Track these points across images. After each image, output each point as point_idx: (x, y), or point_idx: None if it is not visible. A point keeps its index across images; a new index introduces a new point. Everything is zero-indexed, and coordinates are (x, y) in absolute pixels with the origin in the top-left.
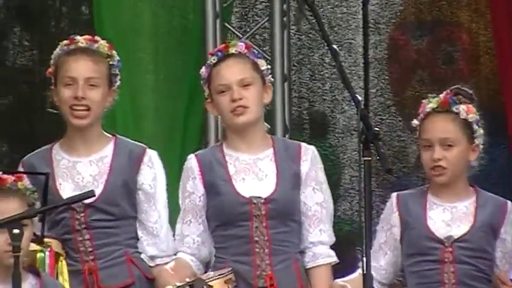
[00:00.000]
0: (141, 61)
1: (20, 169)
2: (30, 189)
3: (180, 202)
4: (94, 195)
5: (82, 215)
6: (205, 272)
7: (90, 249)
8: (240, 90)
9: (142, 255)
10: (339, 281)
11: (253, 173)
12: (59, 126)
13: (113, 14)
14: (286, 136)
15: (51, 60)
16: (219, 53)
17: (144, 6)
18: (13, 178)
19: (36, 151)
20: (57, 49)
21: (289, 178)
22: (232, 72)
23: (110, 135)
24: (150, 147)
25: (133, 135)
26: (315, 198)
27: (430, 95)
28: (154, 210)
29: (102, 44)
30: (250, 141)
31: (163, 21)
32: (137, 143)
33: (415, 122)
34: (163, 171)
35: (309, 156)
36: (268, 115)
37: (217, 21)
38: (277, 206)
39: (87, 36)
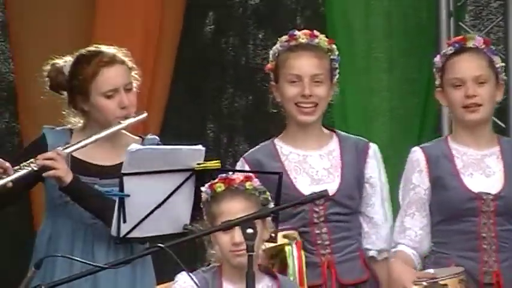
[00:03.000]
0: (375, 60)
1: (244, 166)
2: (260, 189)
3: (400, 194)
4: (328, 195)
5: (321, 207)
6: (424, 268)
7: (327, 243)
8: (475, 87)
9: (370, 252)
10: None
11: (480, 169)
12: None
13: (346, 13)
14: None
15: (270, 56)
16: (456, 45)
17: (377, 5)
18: (241, 178)
19: (256, 147)
20: (277, 45)
21: None
22: (468, 67)
23: (329, 131)
24: (375, 144)
25: (365, 133)
26: None
27: None
28: (380, 203)
29: (322, 39)
30: (478, 137)
31: (398, 20)
32: (358, 137)
33: None
34: (383, 164)
35: None
36: (501, 114)
37: (451, 20)
38: (505, 203)
39: (306, 31)
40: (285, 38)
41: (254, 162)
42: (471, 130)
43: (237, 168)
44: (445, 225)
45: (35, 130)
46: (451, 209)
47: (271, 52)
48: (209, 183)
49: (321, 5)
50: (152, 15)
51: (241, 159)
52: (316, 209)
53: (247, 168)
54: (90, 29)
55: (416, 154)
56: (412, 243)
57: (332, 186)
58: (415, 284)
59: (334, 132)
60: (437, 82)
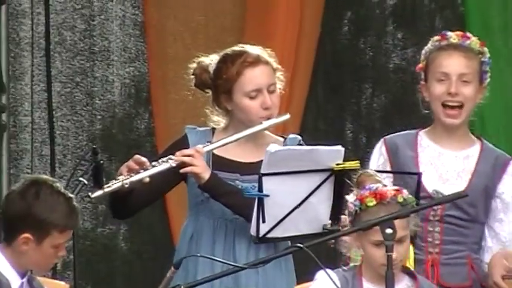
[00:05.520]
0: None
1: (382, 147)
2: (410, 200)
3: None
4: (466, 196)
5: (439, 207)
6: None
7: (437, 242)
8: None
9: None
10: None
11: None
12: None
13: (485, 13)
14: None
15: (422, 56)
16: None
17: None
18: (393, 192)
19: (401, 133)
20: (429, 45)
21: None
22: None
23: (475, 138)
24: None
25: (503, 134)
26: None
27: None
28: (510, 221)
29: (474, 41)
30: None
31: None
32: (503, 152)
33: None
34: None
35: None
36: None
37: None
38: None
39: (458, 33)
40: (436, 38)
41: (392, 145)
42: None
43: (376, 147)
44: None
45: (166, 131)
46: None
47: (422, 52)
48: (358, 194)
49: (460, 4)
50: (292, 17)
51: (382, 139)
52: (435, 207)
53: (383, 148)
54: (224, 32)
55: None
56: None
57: (457, 188)
58: (504, 278)
59: (481, 140)
60: None
